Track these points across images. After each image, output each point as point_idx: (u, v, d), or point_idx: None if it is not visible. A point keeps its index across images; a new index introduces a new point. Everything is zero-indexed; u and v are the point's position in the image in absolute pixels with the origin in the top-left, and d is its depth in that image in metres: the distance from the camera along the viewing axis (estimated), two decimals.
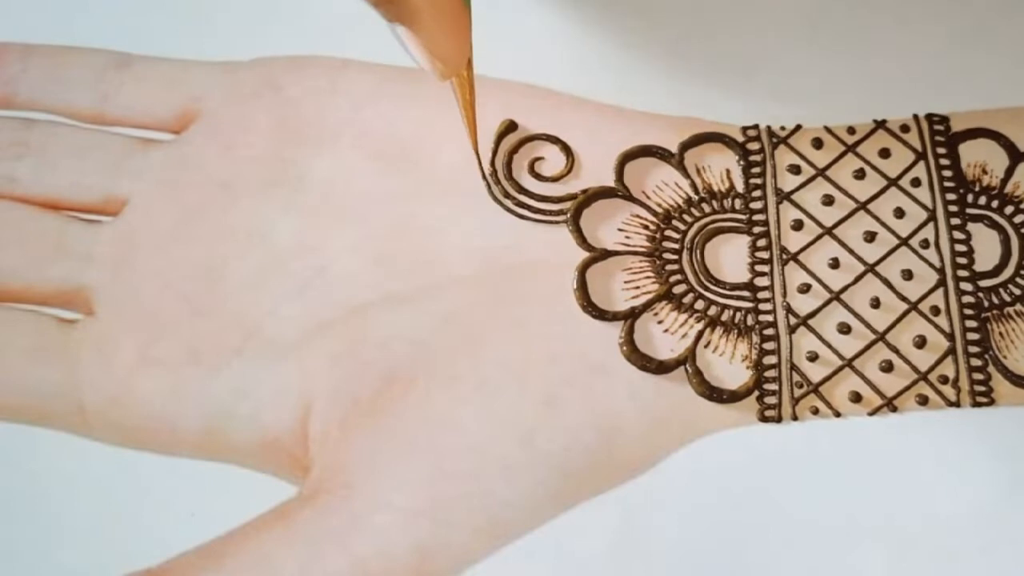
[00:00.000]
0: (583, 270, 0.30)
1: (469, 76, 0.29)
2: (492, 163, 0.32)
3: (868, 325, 0.30)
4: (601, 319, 0.30)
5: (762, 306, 0.30)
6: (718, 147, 0.32)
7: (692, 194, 0.31)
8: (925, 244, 0.30)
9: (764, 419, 0.29)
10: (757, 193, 0.31)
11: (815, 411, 0.29)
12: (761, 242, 0.31)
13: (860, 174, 0.31)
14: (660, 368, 0.29)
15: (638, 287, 0.30)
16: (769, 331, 0.30)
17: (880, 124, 0.32)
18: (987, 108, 0.32)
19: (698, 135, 0.32)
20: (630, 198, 0.31)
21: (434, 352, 0.30)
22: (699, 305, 0.30)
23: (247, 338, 0.31)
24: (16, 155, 0.33)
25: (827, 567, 0.28)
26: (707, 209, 0.31)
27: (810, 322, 0.30)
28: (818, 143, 0.31)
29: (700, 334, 0.30)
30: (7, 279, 0.32)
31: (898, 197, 0.31)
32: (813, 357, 0.29)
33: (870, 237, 0.30)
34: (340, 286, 0.31)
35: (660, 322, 0.30)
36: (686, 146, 0.32)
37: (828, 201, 0.31)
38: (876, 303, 0.30)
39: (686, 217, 0.31)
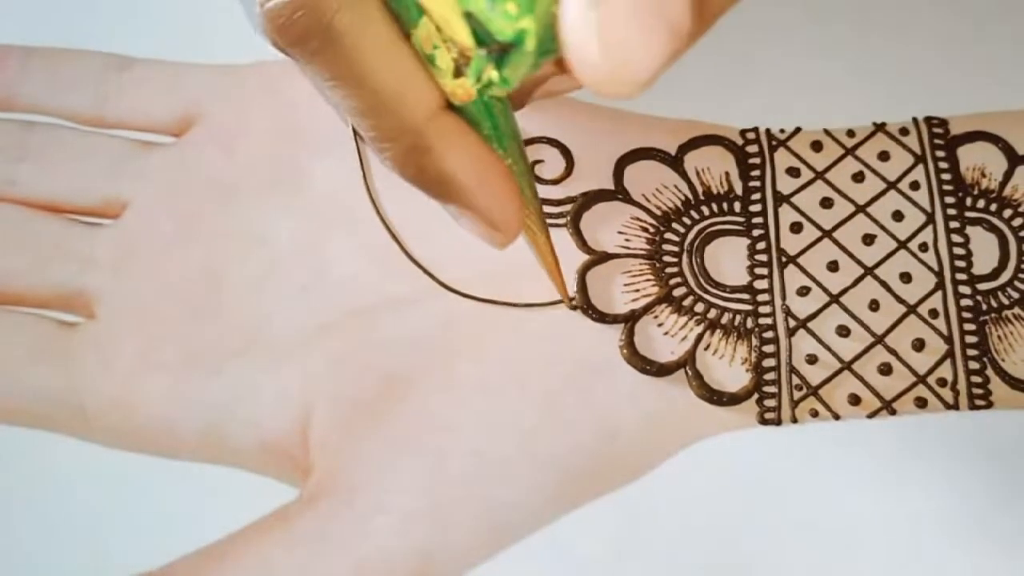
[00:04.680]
0: (583, 273, 0.30)
1: (548, 242, 0.28)
2: None
3: (867, 328, 0.30)
4: (601, 321, 0.30)
5: (761, 308, 0.30)
6: (717, 150, 0.32)
7: (691, 197, 0.31)
8: (924, 247, 0.30)
9: (764, 421, 0.29)
10: (756, 196, 0.31)
11: (814, 414, 0.29)
12: (760, 244, 0.31)
13: (859, 177, 0.31)
14: (660, 371, 0.29)
15: (638, 290, 0.30)
16: (768, 334, 0.30)
17: (879, 127, 0.32)
18: (986, 111, 0.32)
19: (697, 138, 0.32)
20: (629, 201, 0.31)
21: (434, 354, 0.30)
22: (699, 308, 0.30)
23: (247, 341, 0.31)
24: (16, 157, 0.33)
25: (826, 569, 0.29)
26: (706, 212, 0.31)
27: (809, 324, 0.30)
28: (817, 146, 0.32)
29: (700, 337, 0.30)
30: (7, 282, 0.32)
31: (897, 200, 0.31)
32: (812, 360, 0.30)
33: (869, 240, 0.30)
34: (340, 288, 0.31)
35: (660, 325, 0.30)
36: (685, 148, 0.32)
37: (827, 204, 0.31)
38: (875, 306, 0.30)
39: (685, 220, 0.31)
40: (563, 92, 0.28)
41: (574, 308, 0.30)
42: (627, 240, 0.31)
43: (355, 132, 0.30)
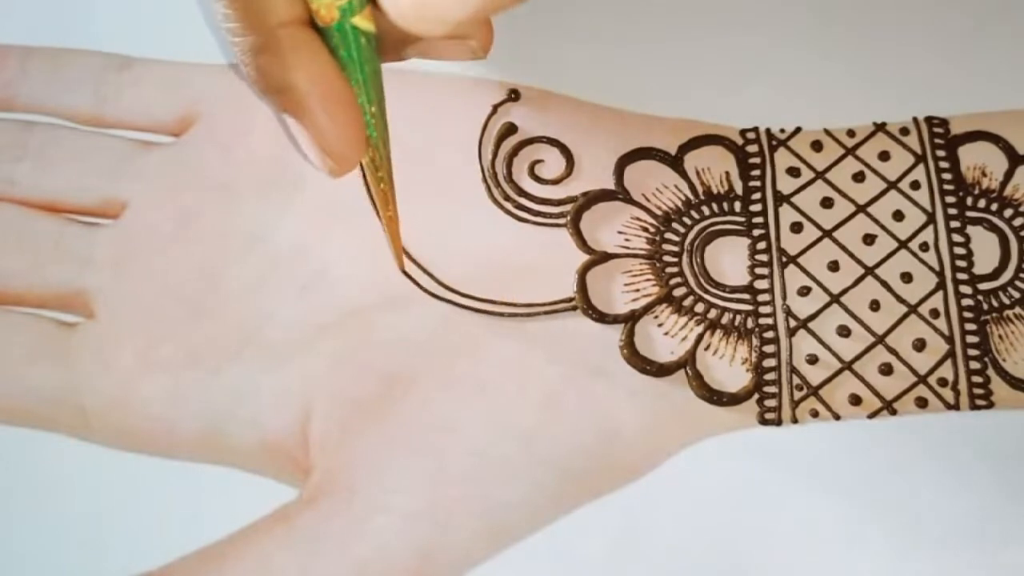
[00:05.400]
0: (583, 273, 0.30)
1: (390, 191, 0.28)
2: (492, 166, 0.32)
3: (867, 328, 0.30)
4: (601, 321, 0.30)
5: (762, 309, 0.30)
6: (717, 149, 0.32)
7: (691, 197, 0.31)
8: (924, 247, 0.30)
9: (764, 421, 0.29)
10: (756, 195, 0.31)
11: (815, 414, 0.29)
12: (760, 244, 0.31)
13: (859, 176, 0.31)
14: (660, 371, 0.29)
15: (638, 290, 0.30)
16: (769, 334, 0.30)
17: (880, 127, 0.32)
18: (986, 111, 0.32)
19: (697, 137, 0.32)
20: (630, 201, 0.31)
21: (434, 354, 0.30)
22: (699, 308, 0.30)
23: (247, 341, 0.31)
24: (15, 157, 0.33)
25: (825, 569, 0.29)
26: (707, 212, 0.31)
27: (810, 325, 0.30)
28: (817, 145, 0.32)
29: (700, 337, 0.30)
30: (7, 282, 0.32)
31: (897, 200, 0.31)
32: (813, 360, 0.29)
33: (869, 240, 0.30)
34: (339, 288, 0.31)
35: (660, 325, 0.30)
36: (685, 148, 0.32)
37: (827, 203, 0.31)
38: (875, 306, 0.30)
39: (686, 220, 0.31)
40: (445, 57, 0.28)
41: (405, 274, 0.30)
42: (627, 240, 0.31)
43: None
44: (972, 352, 0.29)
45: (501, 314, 0.30)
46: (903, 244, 0.30)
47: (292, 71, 0.24)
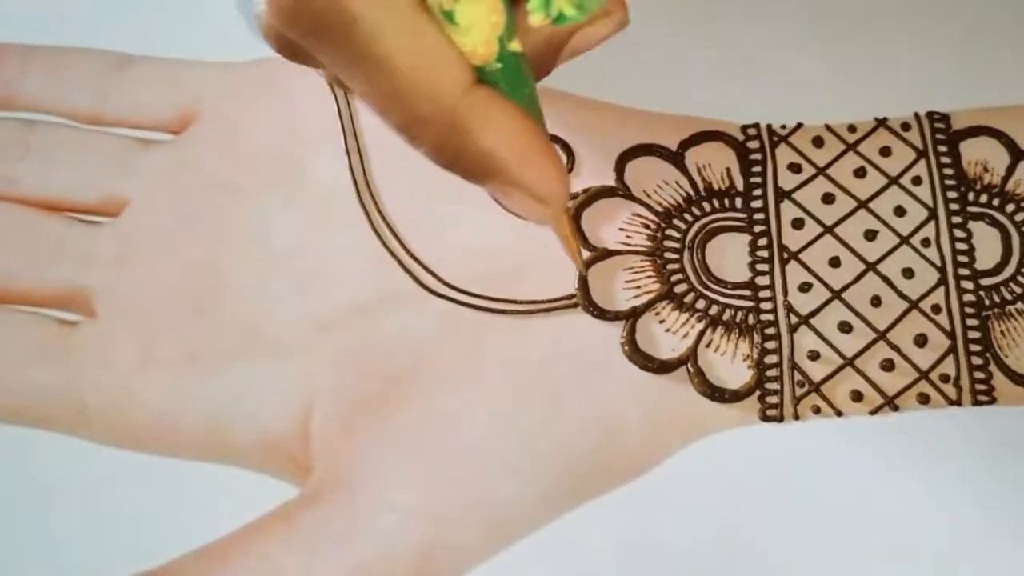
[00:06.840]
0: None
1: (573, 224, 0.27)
2: None
3: (869, 324, 0.30)
4: (602, 319, 0.30)
5: (763, 305, 0.30)
6: (718, 146, 0.32)
7: (692, 193, 0.31)
8: (926, 242, 0.30)
9: (766, 418, 0.29)
10: (757, 192, 0.31)
11: (816, 410, 0.29)
12: (761, 241, 0.31)
13: (861, 172, 0.31)
14: (662, 368, 0.29)
15: (639, 286, 0.30)
16: (770, 330, 0.30)
17: (881, 122, 0.32)
18: (988, 106, 0.32)
19: (698, 134, 0.32)
20: (631, 197, 0.31)
21: (435, 352, 0.30)
22: (700, 304, 0.30)
23: (248, 339, 0.31)
24: (17, 156, 0.33)
25: (829, 566, 0.29)
26: (707, 208, 0.31)
27: (811, 321, 0.30)
28: (819, 141, 0.31)
29: (701, 333, 0.30)
30: (8, 281, 0.32)
31: (899, 195, 0.31)
32: (814, 356, 0.29)
33: (871, 235, 0.30)
34: (341, 286, 0.31)
35: (661, 321, 0.30)
36: (686, 145, 0.32)
37: (829, 199, 0.31)
38: (877, 301, 0.30)
39: (687, 216, 0.31)
40: (597, 41, 0.25)
41: (587, 260, 0.29)
42: (628, 237, 0.31)
43: (345, 130, 0.30)
44: (974, 348, 0.29)
45: (502, 311, 0.30)
46: (904, 240, 0.30)
47: (484, 138, 0.22)
